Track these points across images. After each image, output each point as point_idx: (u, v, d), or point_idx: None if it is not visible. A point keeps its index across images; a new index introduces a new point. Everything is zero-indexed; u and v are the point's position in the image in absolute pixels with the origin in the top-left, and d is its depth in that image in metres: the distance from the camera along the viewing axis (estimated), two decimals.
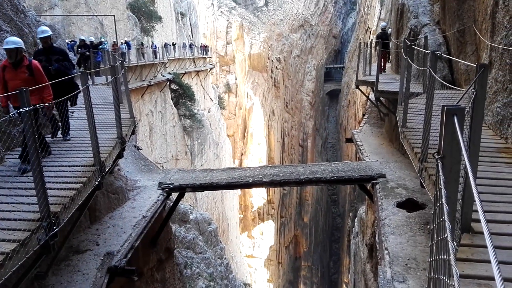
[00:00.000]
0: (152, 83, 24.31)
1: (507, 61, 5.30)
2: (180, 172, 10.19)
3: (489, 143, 5.10)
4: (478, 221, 3.11)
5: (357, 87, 12.08)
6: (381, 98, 10.68)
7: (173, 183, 9.12)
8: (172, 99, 31.61)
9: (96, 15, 19.69)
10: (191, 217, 19.07)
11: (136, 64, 22.39)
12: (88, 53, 15.26)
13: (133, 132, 8.76)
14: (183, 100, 33.43)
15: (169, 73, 31.64)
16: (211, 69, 45.89)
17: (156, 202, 8.55)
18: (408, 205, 7.52)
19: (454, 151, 2.18)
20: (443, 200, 1.68)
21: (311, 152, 65.90)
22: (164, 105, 29.53)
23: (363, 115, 15.45)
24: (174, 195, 9.52)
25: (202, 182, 9.16)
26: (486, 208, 3.34)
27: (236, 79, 63.93)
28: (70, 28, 22.05)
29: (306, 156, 65.81)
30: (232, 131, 64.39)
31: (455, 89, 5.48)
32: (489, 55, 6.08)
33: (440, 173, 2.05)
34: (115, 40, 18.62)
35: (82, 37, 16.11)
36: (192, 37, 42.80)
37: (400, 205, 7.55)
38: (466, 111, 3.13)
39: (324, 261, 62.86)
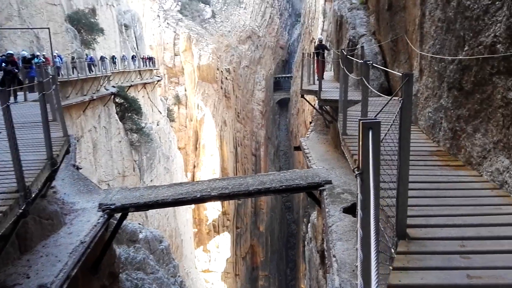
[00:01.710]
0: (94, 98, 23.19)
1: (435, 68, 5.58)
2: (122, 191, 9.70)
3: (422, 147, 5.30)
4: (414, 226, 3.16)
5: (302, 96, 12.32)
6: (324, 106, 10.94)
7: (114, 204, 8.63)
8: (117, 113, 30.41)
9: (28, 28, 18.49)
10: (140, 236, 18.26)
11: (76, 78, 21.26)
12: (15, 69, 14.01)
13: (68, 152, 8.19)
14: (129, 114, 32.31)
15: (113, 86, 30.47)
16: (158, 81, 44.94)
17: (95, 226, 8.00)
18: (354, 209, 7.67)
19: (373, 165, 2.15)
20: (370, 219, 1.62)
21: (264, 161, 66.41)
22: (109, 120, 28.30)
23: (310, 122, 15.78)
24: (119, 216, 9.01)
25: (146, 200, 8.78)
26: (420, 213, 3.42)
27: (185, 90, 63.14)
28: (2, 42, 20.53)
29: (260, 165, 66.19)
30: (184, 143, 63.32)
31: (384, 96, 5.70)
32: (419, 63, 6.39)
33: (359, 191, 2.02)
34: (44, 53, 17.56)
35: (10, 52, 14.88)
36: (137, 49, 41.72)
37: (346, 210, 7.68)
38: (393, 120, 3.19)
39: (281, 269, 63.18)
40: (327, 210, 7.99)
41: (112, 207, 8.69)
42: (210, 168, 60.98)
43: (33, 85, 14.00)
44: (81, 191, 10.21)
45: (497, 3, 3.83)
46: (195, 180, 63.52)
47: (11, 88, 12.21)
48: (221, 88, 61.77)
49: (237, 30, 62.88)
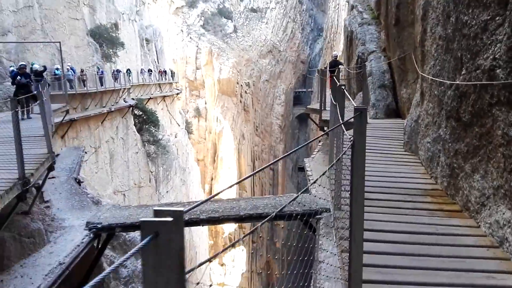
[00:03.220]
0: (113, 109, 23.44)
1: (435, 92, 4.87)
2: (113, 209, 9.29)
3: (417, 184, 4.57)
4: None
5: (307, 115, 11.67)
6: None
7: (101, 223, 8.20)
8: (135, 125, 30.74)
9: (38, 42, 18.78)
10: None
11: (95, 90, 21.52)
12: (30, 82, 13.78)
13: (51, 169, 7.85)
14: (147, 126, 32.59)
15: (133, 98, 30.83)
16: (177, 94, 45.23)
17: (79, 246, 7.57)
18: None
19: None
20: None
21: (282, 176, 65.56)
22: (126, 131, 28.58)
23: (319, 141, 15.06)
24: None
25: (134, 220, 8.32)
26: (388, 278, 2.71)
27: (205, 103, 63.64)
28: (25, 54, 20.95)
29: (277, 179, 65.37)
30: (202, 155, 63.57)
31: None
32: (420, 85, 5.69)
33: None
34: (58, 66, 17.67)
35: (23, 63, 14.91)
36: (158, 62, 42.26)
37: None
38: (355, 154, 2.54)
39: (298, 287, 61.41)
40: (320, 242, 7.26)
41: (99, 226, 8.26)
42: (227, 180, 60.85)
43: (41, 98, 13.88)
44: (74, 206, 9.89)
45: (497, 18, 3.15)
46: (211, 193, 63.42)
47: (29, 107, 11.87)
48: (241, 101, 61.80)
49: (258, 45, 63.05)
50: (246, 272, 56.66)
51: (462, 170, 3.85)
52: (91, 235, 7.91)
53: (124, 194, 26.78)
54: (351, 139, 2.36)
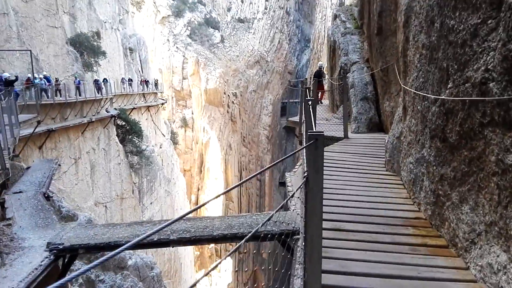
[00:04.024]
0: (93, 120, 22.76)
1: (418, 107, 4.36)
2: (78, 228, 8.55)
3: (398, 210, 4.02)
4: None
5: (288, 128, 11.13)
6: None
7: (63, 243, 7.47)
8: (118, 135, 30.02)
9: (9, 50, 18.01)
10: (129, 262, 17.19)
11: (74, 100, 20.80)
12: None
13: (4, 186, 7.12)
14: (130, 137, 31.88)
15: (115, 108, 30.13)
16: (162, 104, 44.52)
17: (36, 269, 6.80)
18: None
19: None
20: None
21: (269, 186, 65.05)
22: (108, 142, 27.88)
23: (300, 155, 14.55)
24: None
25: (98, 241, 7.60)
26: None
27: (192, 113, 63.10)
28: (0, 63, 20.11)
29: (264, 190, 64.86)
30: (189, 165, 62.83)
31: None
32: (403, 98, 5.19)
33: None
34: (29, 75, 16.92)
35: None
36: (142, 72, 41.58)
37: None
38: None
39: None
40: (296, 267, 6.65)
41: (60, 247, 7.50)
42: (214, 191, 60.31)
43: (16, 108, 13.12)
44: (38, 224, 9.11)
45: (489, 22, 2.65)
46: (198, 203, 62.44)
47: None
48: (228, 112, 61.34)
49: (245, 55, 62.93)
50: (232, 282, 55.90)
51: (449, 199, 3.31)
52: (52, 257, 7.19)
53: (105, 206, 26.04)
54: (305, 174, 1.79)
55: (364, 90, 8.70)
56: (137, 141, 32.33)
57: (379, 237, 3.34)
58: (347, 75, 8.83)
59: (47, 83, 16.86)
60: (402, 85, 5.19)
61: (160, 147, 43.44)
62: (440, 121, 3.46)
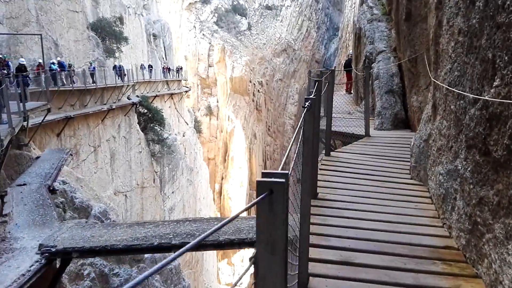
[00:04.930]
0: (113, 107, 22.66)
1: (451, 107, 3.54)
2: (75, 228, 8.10)
3: (424, 236, 3.24)
4: None
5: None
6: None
7: (56, 246, 7.05)
8: (139, 123, 29.98)
9: (18, 34, 17.88)
10: (146, 255, 17.11)
11: (95, 87, 20.74)
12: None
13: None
14: (152, 125, 31.79)
15: (137, 96, 30.05)
16: (186, 91, 44.28)
17: (23, 275, 6.41)
18: None
19: None
20: None
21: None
22: (129, 130, 27.85)
23: None
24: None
25: (94, 244, 7.12)
26: None
27: (217, 101, 62.88)
28: (17, 47, 20.14)
29: None
30: (213, 154, 62.90)
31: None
32: (433, 94, 4.34)
33: None
34: (40, 61, 16.77)
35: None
36: (166, 59, 41.35)
37: None
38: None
39: None
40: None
41: (53, 250, 7.06)
42: (238, 180, 60.21)
43: (26, 95, 12.93)
44: (35, 222, 8.71)
45: None
46: (221, 193, 62.63)
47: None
48: (253, 100, 60.66)
49: (272, 43, 61.77)
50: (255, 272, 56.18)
51: (490, 230, 2.54)
52: (43, 261, 6.75)
53: (125, 195, 26.07)
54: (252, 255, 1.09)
55: (390, 82, 7.80)
56: (159, 129, 32.18)
57: (398, 277, 2.60)
58: (372, 65, 7.95)
59: (58, 69, 16.66)
60: (432, 79, 4.35)
61: (183, 136, 43.38)
62: (481, 128, 2.67)
